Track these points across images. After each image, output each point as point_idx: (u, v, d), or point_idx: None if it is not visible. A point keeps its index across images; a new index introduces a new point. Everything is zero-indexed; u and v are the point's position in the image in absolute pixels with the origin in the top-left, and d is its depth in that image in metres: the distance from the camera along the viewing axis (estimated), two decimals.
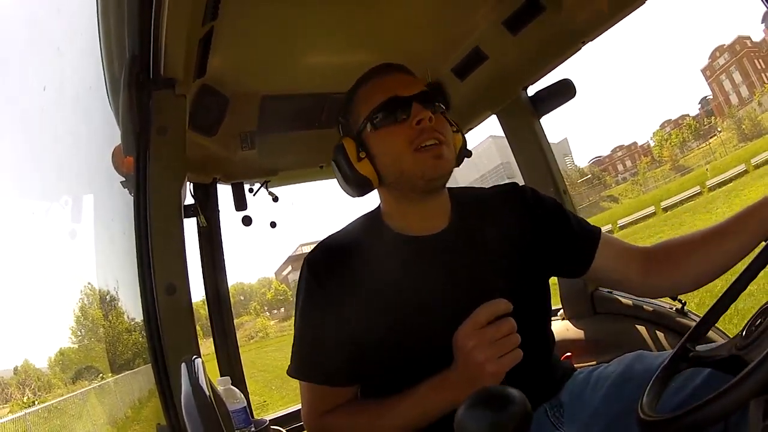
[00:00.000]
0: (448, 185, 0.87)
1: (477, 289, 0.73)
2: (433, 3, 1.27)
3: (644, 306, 1.34)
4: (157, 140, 0.99)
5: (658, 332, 1.28)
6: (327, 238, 0.88)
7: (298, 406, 1.58)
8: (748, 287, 0.69)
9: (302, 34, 1.23)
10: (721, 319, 0.71)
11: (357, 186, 0.85)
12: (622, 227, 21.11)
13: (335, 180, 0.90)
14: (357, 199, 0.90)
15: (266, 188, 1.68)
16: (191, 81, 1.10)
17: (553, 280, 0.96)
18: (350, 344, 0.79)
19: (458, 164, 0.89)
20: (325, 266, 0.82)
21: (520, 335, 0.67)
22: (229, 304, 1.69)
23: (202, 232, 1.62)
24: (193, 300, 0.97)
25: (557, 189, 1.48)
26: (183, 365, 0.73)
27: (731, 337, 0.64)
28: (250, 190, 1.68)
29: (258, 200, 1.68)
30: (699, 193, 20.05)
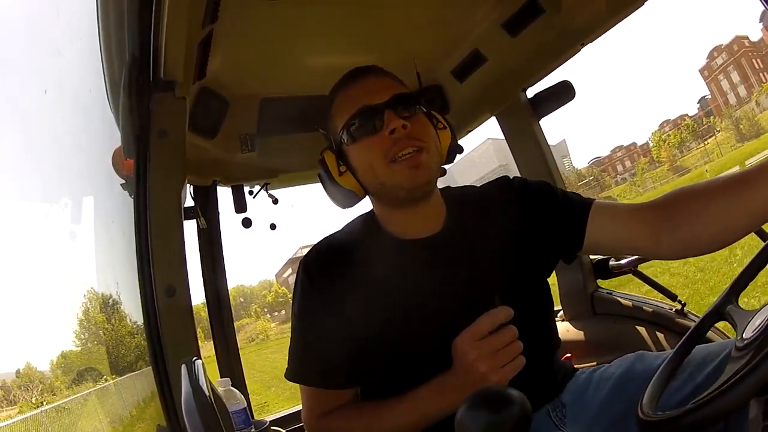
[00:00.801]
0: (447, 184, 0.87)
1: (475, 291, 0.72)
2: (433, 5, 1.28)
3: (644, 307, 1.34)
4: (157, 143, 0.99)
5: (658, 333, 1.28)
6: (323, 240, 0.87)
7: (298, 407, 1.59)
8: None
9: (302, 36, 1.24)
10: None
11: (342, 200, 0.85)
12: None
13: None
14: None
15: (266, 190, 1.68)
16: (191, 83, 1.11)
17: (553, 281, 0.95)
18: (346, 347, 0.78)
19: (450, 161, 0.88)
20: (321, 268, 0.82)
21: (521, 335, 0.66)
22: (230, 306, 1.69)
23: (202, 234, 1.62)
24: (194, 302, 0.97)
25: None
26: (183, 366, 0.73)
27: (730, 338, 0.64)
28: (250, 193, 1.68)
29: (258, 202, 1.68)
30: None
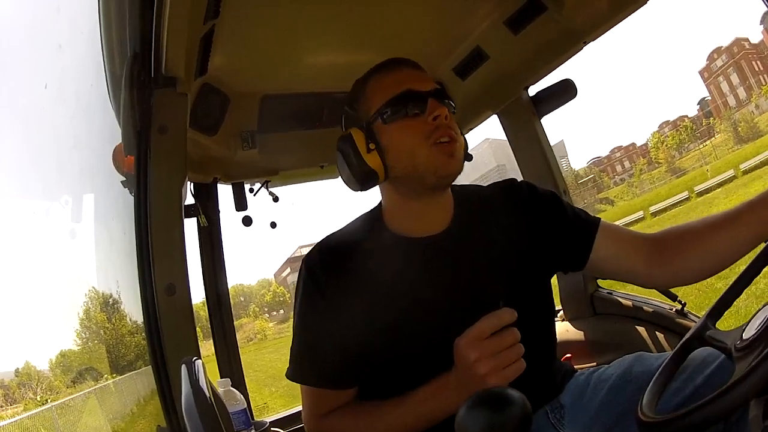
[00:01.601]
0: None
1: (477, 292, 0.72)
2: (435, 2, 1.27)
3: (644, 307, 1.34)
4: (158, 139, 0.99)
5: (657, 333, 1.28)
6: (326, 238, 0.86)
7: (298, 408, 1.59)
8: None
9: (303, 33, 1.23)
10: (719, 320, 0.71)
11: (362, 179, 0.82)
12: None
13: (335, 180, 0.89)
14: (356, 201, 0.89)
15: (267, 188, 1.68)
16: (192, 80, 1.10)
17: (554, 280, 0.95)
18: (348, 347, 0.78)
19: (466, 160, 0.88)
20: (324, 267, 0.81)
21: (522, 337, 0.66)
22: (229, 305, 1.69)
23: (202, 231, 1.62)
24: (194, 301, 0.96)
25: (558, 189, 1.48)
26: (183, 366, 0.73)
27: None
28: (251, 190, 1.68)
29: (258, 201, 1.68)
30: (687, 199, 19.62)
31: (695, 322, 0.92)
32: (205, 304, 1.65)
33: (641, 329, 1.31)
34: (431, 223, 0.83)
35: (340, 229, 0.88)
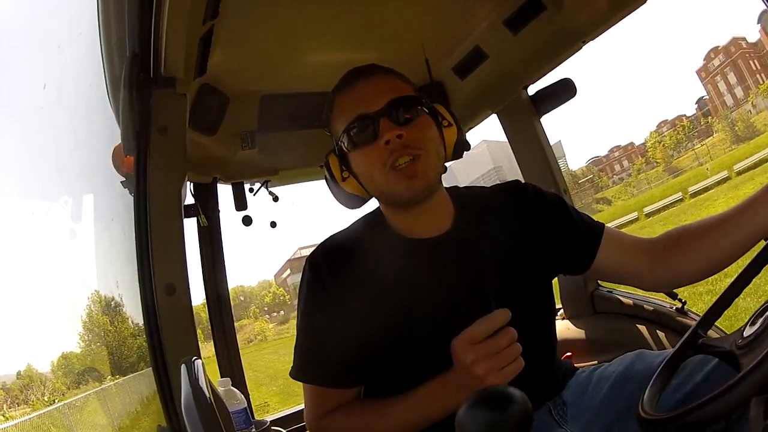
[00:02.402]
0: (449, 179, 0.87)
1: (480, 292, 0.72)
2: (434, 2, 1.27)
3: (644, 305, 1.34)
4: (158, 139, 0.99)
5: (658, 331, 1.28)
6: (329, 238, 0.87)
7: (298, 407, 1.59)
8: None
9: (302, 33, 1.23)
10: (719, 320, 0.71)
11: (348, 203, 0.86)
12: None
13: None
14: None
15: (266, 188, 1.68)
16: (191, 80, 1.10)
17: (554, 279, 0.96)
18: (352, 346, 0.78)
19: (457, 157, 0.87)
20: (328, 267, 0.81)
21: (524, 336, 0.66)
22: (230, 305, 1.69)
23: (202, 231, 1.62)
24: (194, 303, 0.96)
25: (558, 188, 1.48)
26: (183, 366, 0.73)
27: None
28: (251, 190, 1.68)
29: (258, 201, 1.68)
30: (680, 200, 19.46)
31: (695, 320, 0.92)
32: (206, 306, 1.65)
33: (641, 327, 1.31)
34: (431, 226, 0.84)
35: (344, 230, 0.88)
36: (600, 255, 0.87)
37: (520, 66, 1.44)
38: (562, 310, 1.56)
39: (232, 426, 1.10)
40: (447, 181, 0.89)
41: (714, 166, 25.15)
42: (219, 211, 1.65)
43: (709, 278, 0.84)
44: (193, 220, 1.55)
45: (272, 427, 1.35)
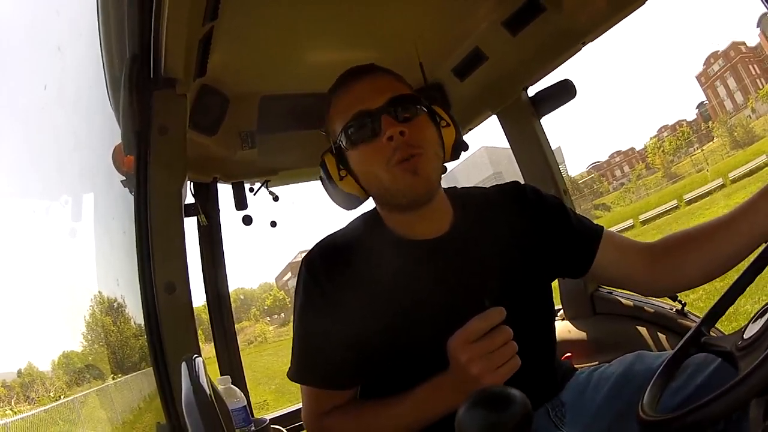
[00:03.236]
0: (450, 185, 0.86)
1: (478, 293, 0.72)
2: (434, 3, 1.27)
3: (644, 307, 1.34)
4: (158, 139, 0.99)
5: (658, 333, 1.28)
6: (326, 238, 0.86)
7: (298, 406, 1.59)
8: None
9: (302, 33, 1.23)
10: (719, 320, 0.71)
11: (344, 203, 0.85)
12: None
13: None
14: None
15: (266, 188, 1.68)
16: (191, 81, 1.10)
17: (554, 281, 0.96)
18: (348, 347, 0.78)
19: (455, 158, 0.87)
20: (324, 267, 0.81)
21: (523, 337, 0.66)
22: (230, 304, 1.69)
23: (202, 231, 1.62)
24: (194, 304, 0.96)
25: (558, 189, 1.48)
26: (183, 364, 0.73)
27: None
28: (251, 190, 1.68)
29: (258, 202, 1.68)
30: (676, 207, 19.16)
31: (695, 321, 0.92)
32: (206, 307, 1.65)
33: (641, 329, 1.31)
34: (430, 227, 0.83)
35: (341, 229, 0.88)
36: (599, 258, 0.87)
37: (519, 67, 1.44)
38: (562, 311, 1.56)
39: (232, 423, 1.10)
40: (447, 183, 0.89)
41: (710, 172, 24.97)
42: (219, 210, 1.65)
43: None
44: (194, 219, 1.55)
45: (271, 426, 1.35)
